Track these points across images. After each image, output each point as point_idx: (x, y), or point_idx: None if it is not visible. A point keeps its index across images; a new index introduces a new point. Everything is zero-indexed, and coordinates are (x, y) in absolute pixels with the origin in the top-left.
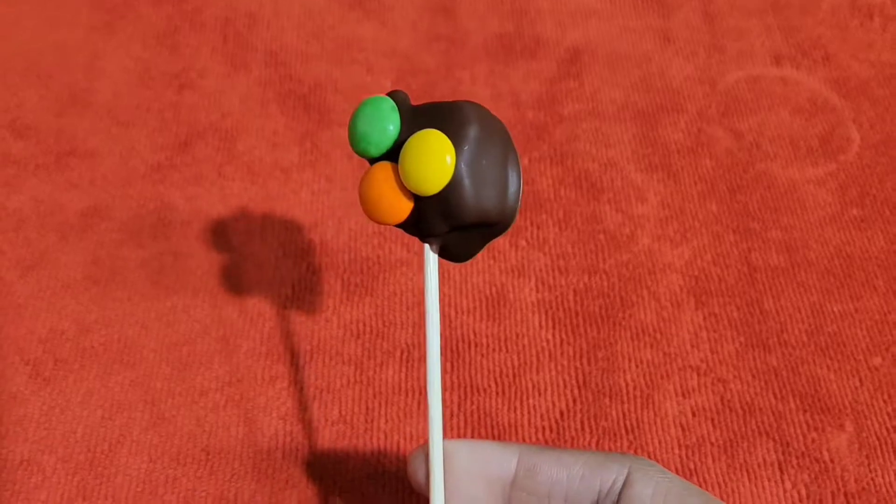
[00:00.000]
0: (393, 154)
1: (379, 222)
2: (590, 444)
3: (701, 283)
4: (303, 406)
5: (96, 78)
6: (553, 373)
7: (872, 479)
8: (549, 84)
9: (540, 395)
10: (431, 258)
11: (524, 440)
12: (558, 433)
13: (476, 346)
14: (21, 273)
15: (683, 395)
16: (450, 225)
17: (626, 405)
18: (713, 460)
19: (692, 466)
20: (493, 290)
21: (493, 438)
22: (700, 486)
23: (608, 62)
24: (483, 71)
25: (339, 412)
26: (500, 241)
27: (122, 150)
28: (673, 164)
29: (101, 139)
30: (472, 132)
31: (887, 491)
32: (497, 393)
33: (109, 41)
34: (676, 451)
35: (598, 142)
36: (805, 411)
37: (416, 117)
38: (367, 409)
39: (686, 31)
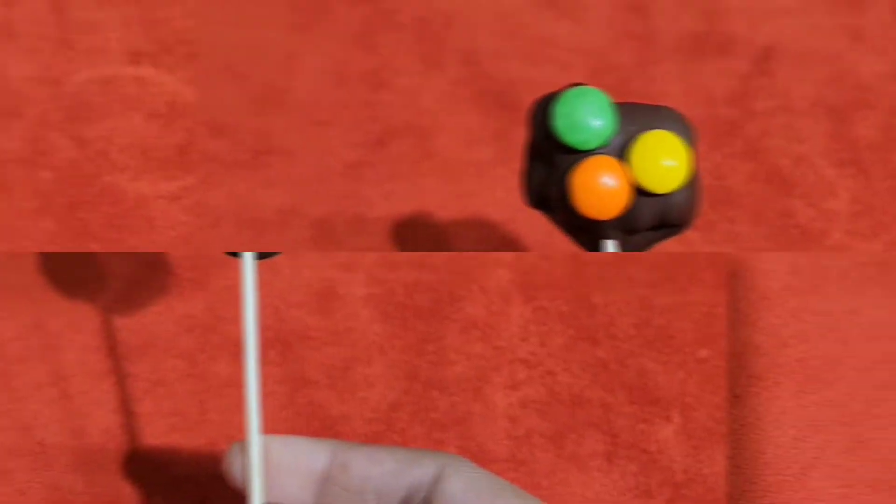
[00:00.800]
0: (604, 148)
1: (594, 217)
2: (418, 435)
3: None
4: (136, 400)
5: (292, 77)
6: (383, 366)
7: (699, 469)
8: (740, 81)
9: (370, 387)
10: (250, 265)
11: (354, 432)
12: (388, 425)
13: (306, 339)
14: None
15: (513, 387)
16: (660, 223)
17: (454, 397)
18: (542, 451)
19: (521, 458)
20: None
21: (324, 431)
22: (528, 476)
23: (799, 59)
24: (675, 68)
25: (173, 405)
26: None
27: (319, 149)
28: (864, 159)
29: (297, 138)
30: (695, 138)
31: (714, 481)
32: (327, 386)
33: (305, 40)
34: (505, 442)
35: (790, 137)
36: (633, 403)
37: (626, 115)
38: (200, 401)
39: (878, 28)
